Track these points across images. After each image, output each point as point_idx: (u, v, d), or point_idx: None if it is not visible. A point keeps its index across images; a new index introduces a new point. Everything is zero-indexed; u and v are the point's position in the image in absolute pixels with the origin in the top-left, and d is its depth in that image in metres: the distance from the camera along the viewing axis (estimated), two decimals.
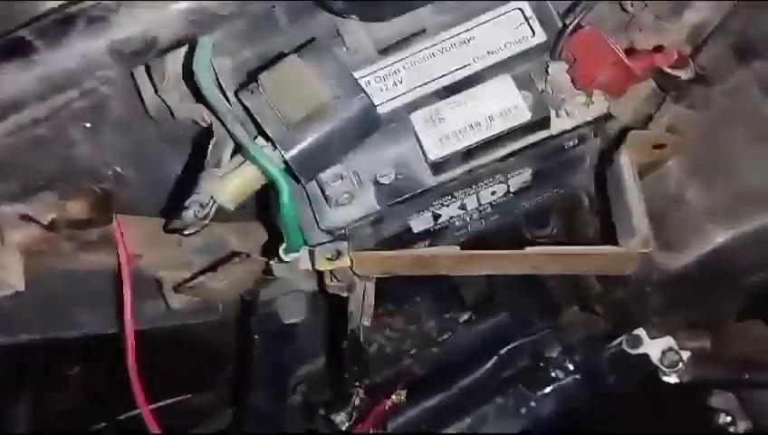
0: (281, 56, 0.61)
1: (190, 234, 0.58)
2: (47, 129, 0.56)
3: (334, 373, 0.93)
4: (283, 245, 0.63)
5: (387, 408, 0.80)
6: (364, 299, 0.72)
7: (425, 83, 0.67)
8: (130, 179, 0.67)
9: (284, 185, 0.60)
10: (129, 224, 0.68)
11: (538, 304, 1.00)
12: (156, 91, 0.64)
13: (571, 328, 0.98)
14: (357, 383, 0.73)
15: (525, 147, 0.67)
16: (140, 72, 0.65)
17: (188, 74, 0.61)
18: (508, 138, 0.66)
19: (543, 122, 0.66)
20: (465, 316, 1.01)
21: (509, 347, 0.99)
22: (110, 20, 0.53)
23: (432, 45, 0.67)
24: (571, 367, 0.98)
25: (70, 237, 0.63)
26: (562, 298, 0.99)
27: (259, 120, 0.60)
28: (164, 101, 0.64)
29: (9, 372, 0.90)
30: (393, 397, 0.81)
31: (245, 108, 0.61)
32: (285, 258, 0.63)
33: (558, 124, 0.67)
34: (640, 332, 0.89)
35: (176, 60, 0.63)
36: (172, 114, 0.65)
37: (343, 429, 0.72)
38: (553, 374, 0.98)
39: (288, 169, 0.61)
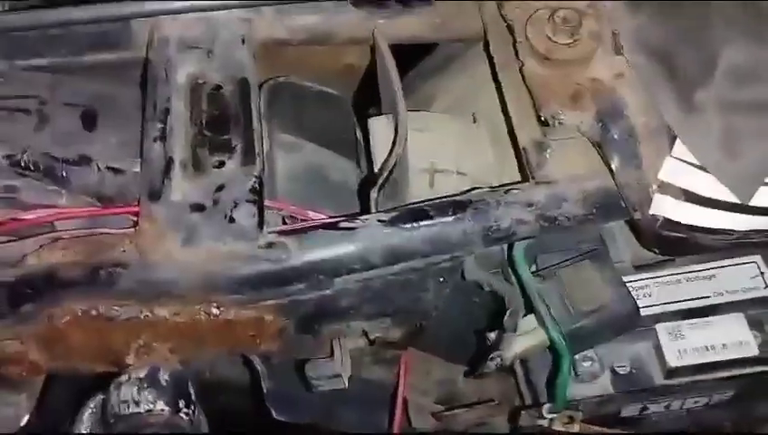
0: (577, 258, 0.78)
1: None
2: (416, 276, 0.73)
3: None
4: (548, 405, 0.78)
5: None
6: None
7: (670, 302, 0.83)
8: (439, 323, 0.83)
9: (567, 354, 0.75)
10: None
11: None
12: None
13: None
14: None
15: (744, 374, 0.81)
16: None
17: None
18: (734, 365, 0.81)
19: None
20: None
21: None
22: (490, 212, 0.72)
23: (680, 274, 0.84)
24: None
25: (374, 352, 0.80)
26: None
27: (546, 300, 0.76)
28: None
29: None
30: None
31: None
32: (547, 416, 0.77)
33: None
34: None
35: None
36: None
37: None
38: None
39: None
